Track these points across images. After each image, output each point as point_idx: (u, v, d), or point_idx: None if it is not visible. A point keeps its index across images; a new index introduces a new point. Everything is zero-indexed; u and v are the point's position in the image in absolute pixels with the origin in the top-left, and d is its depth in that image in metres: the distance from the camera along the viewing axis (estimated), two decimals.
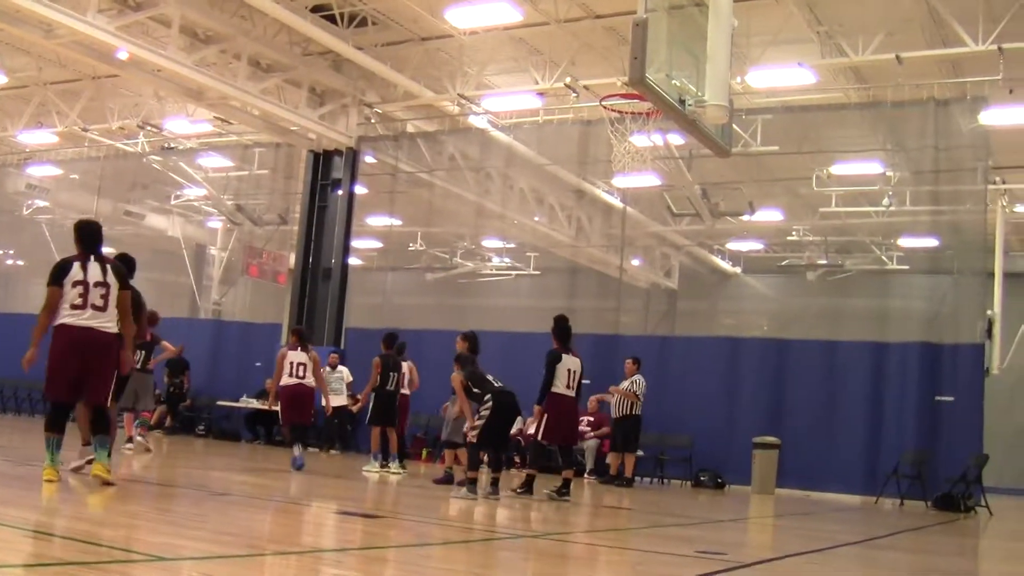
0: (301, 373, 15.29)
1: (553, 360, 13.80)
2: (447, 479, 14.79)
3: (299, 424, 15.61)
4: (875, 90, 22.61)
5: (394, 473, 16.32)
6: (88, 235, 9.77)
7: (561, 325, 14.11)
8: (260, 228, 31.15)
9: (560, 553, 8.58)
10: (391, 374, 16.47)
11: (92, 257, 9.62)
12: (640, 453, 19.85)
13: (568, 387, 13.85)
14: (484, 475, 13.17)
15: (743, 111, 22.10)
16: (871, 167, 26.54)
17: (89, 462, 10.10)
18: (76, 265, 9.51)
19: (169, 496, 9.89)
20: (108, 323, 9.55)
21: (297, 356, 15.38)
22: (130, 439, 16.77)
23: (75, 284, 9.43)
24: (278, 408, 15.80)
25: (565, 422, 13.97)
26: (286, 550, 7.06)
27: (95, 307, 9.45)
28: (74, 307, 9.40)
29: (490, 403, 12.73)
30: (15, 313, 28.12)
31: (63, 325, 9.42)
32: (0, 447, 15.74)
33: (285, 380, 15.26)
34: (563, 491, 13.77)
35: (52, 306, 9.45)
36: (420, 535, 9.12)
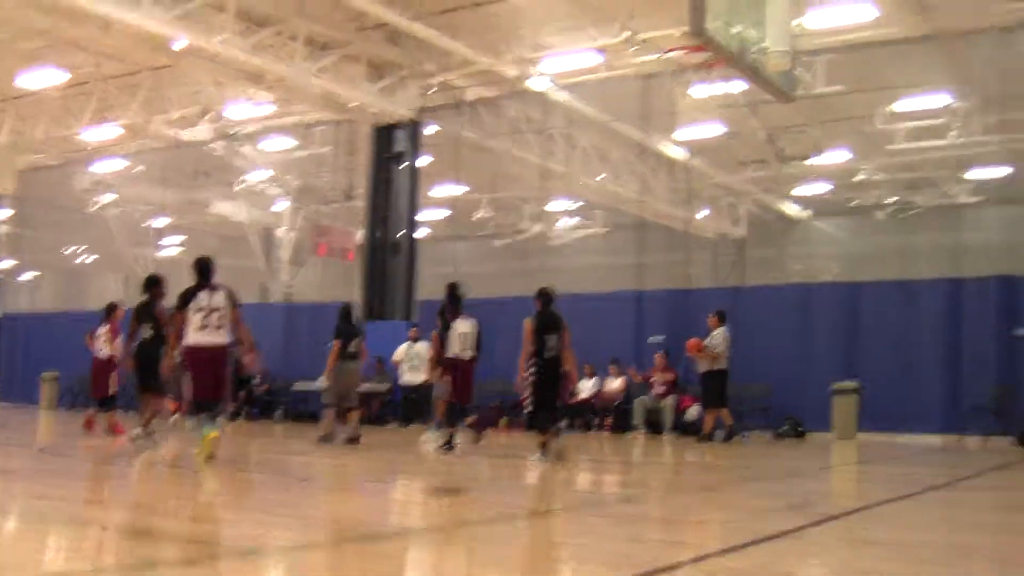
0: None
1: (444, 326, 14.94)
2: (327, 438, 15.86)
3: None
4: (938, 21, 22.13)
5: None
6: (204, 269, 11.88)
7: (450, 293, 15.16)
8: (326, 206, 31.30)
9: (646, 515, 8.58)
10: None
11: (209, 287, 11.74)
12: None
13: (463, 350, 14.83)
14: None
15: (804, 53, 21.70)
16: (938, 99, 26.04)
17: (133, 439, 13.13)
18: (201, 294, 11.65)
19: (257, 483, 10.01)
20: (223, 338, 11.73)
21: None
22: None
23: (198, 310, 11.57)
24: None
25: (461, 382, 14.92)
26: (376, 532, 7.13)
27: (215, 327, 11.60)
28: (197, 329, 11.57)
29: (534, 366, 13.25)
30: (90, 311, 28.47)
31: (190, 347, 11.62)
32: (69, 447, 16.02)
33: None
34: (449, 445, 14.43)
35: (181, 326, 11.68)
36: (505, 507, 9.15)
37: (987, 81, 22.93)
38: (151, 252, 33.42)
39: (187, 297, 11.72)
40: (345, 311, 16.81)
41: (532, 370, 13.27)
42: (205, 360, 11.69)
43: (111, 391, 17.01)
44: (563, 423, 16.41)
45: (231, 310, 11.79)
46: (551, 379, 13.30)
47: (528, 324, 13.39)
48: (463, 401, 15.22)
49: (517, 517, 8.39)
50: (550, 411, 13.55)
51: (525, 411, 13.68)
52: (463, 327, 14.93)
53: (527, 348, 13.32)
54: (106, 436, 15.94)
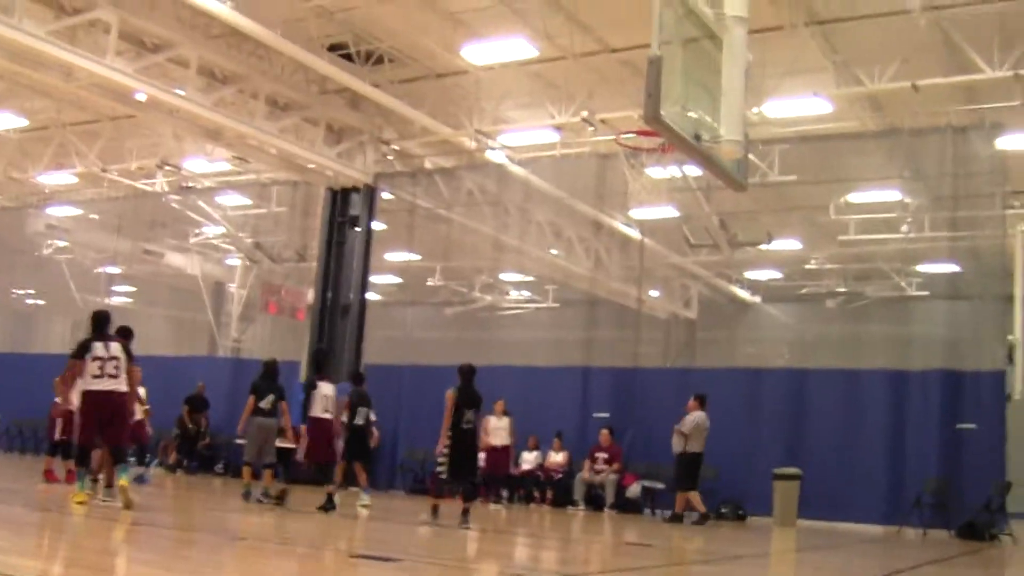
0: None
1: (308, 387, 16.19)
2: (247, 495, 16.13)
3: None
4: (892, 118, 22.52)
5: (363, 506, 16.16)
6: (101, 322, 12.84)
7: (317, 358, 17.45)
8: (279, 265, 31.20)
9: None
10: (359, 409, 16.42)
11: (104, 338, 12.65)
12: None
13: (325, 411, 15.90)
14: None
15: (760, 142, 21.91)
16: (889, 194, 26.48)
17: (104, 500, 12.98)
18: (97, 344, 12.47)
19: (188, 542, 9.87)
20: (121, 386, 12.56)
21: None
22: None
23: (95, 359, 12.38)
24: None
25: (324, 442, 15.86)
26: None
27: (110, 375, 12.43)
28: (94, 376, 12.39)
29: (451, 438, 14.00)
30: (35, 354, 28.16)
31: (89, 391, 12.43)
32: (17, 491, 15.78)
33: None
34: (329, 506, 14.98)
35: (78, 374, 12.50)
36: None
37: (938, 179, 23.28)
38: (101, 299, 33.08)
39: (84, 347, 12.52)
40: (267, 367, 16.99)
41: (448, 441, 13.99)
42: (101, 405, 12.45)
43: (60, 437, 16.82)
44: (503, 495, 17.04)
45: (128, 362, 12.64)
46: (467, 450, 14.09)
47: (451, 395, 14.14)
48: (319, 459, 15.96)
49: None
50: (468, 480, 14.34)
51: (438, 476, 14.44)
52: (326, 390, 16.04)
53: (448, 418, 14.04)
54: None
